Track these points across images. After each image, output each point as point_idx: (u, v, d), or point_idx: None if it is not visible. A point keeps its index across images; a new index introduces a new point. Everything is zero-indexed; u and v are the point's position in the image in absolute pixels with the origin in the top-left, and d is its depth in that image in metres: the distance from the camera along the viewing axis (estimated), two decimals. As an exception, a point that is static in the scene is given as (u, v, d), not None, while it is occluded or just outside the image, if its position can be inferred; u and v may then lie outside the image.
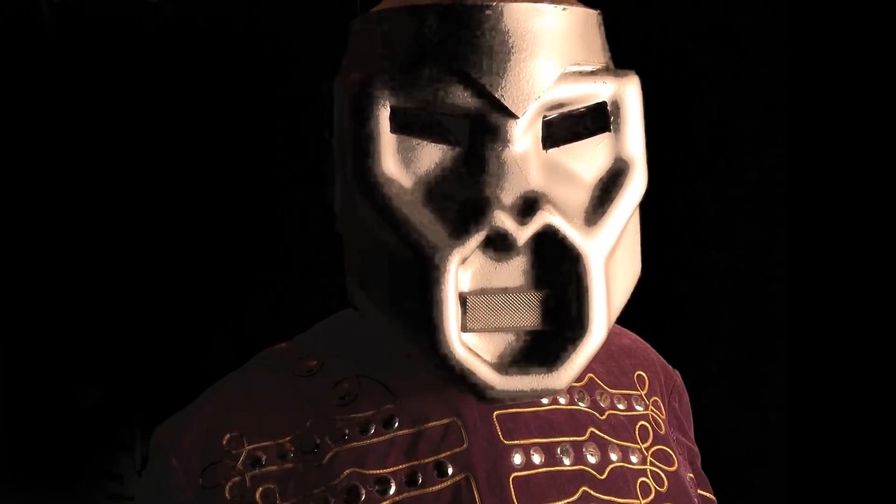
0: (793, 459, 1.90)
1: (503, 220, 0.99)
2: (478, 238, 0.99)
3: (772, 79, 1.84)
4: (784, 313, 1.92)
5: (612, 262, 1.06)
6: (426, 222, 1.01)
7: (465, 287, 1.02)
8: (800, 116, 1.83)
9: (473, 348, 1.02)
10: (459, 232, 0.99)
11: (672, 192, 1.88)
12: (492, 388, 1.01)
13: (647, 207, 1.83)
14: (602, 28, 1.13)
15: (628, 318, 1.66)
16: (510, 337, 1.04)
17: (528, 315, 1.03)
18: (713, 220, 1.90)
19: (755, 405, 1.93)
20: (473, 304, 1.02)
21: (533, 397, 1.03)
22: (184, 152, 1.75)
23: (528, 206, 0.99)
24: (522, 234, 0.99)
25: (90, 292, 1.76)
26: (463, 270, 1.01)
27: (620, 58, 1.13)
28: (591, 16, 1.10)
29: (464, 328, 1.01)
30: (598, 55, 1.10)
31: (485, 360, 1.01)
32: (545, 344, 1.03)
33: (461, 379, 1.01)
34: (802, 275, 1.88)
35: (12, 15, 1.68)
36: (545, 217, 1.00)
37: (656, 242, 1.86)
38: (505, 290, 1.03)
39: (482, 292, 1.02)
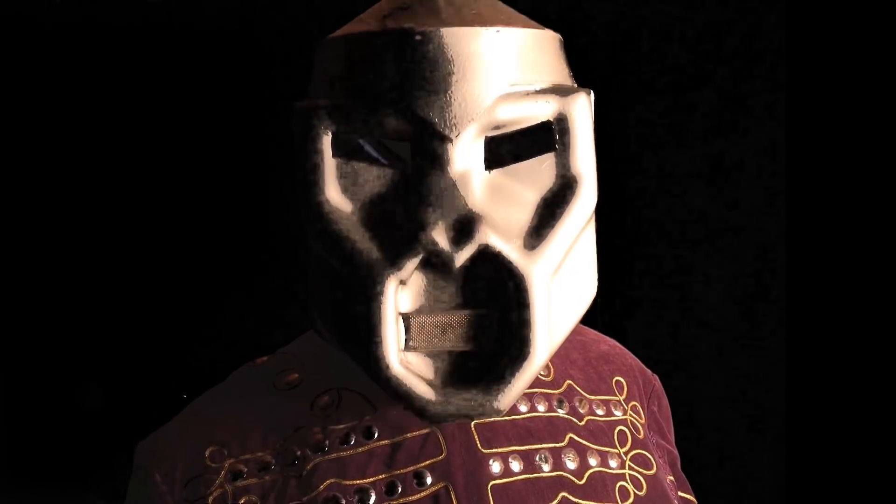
0: (792, 462, 1.90)
1: (438, 242, 0.99)
2: (415, 260, 1.00)
3: (771, 79, 1.84)
4: (784, 314, 1.92)
5: (559, 281, 1.05)
6: (365, 245, 1.02)
7: (408, 307, 1.03)
8: (800, 117, 1.83)
9: (415, 367, 1.03)
10: (397, 254, 1.01)
11: (672, 194, 1.88)
12: (429, 406, 1.02)
13: (649, 208, 1.85)
14: (554, 46, 1.11)
15: (630, 318, 1.68)
16: (452, 357, 1.04)
17: (469, 336, 1.03)
18: (713, 220, 1.90)
19: (753, 406, 1.93)
20: (416, 324, 1.03)
21: (471, 418, 1.04)
22: (189, 155, 1.77)
23: (464, 228, 1.00)
24: (458, 256, 1.00)
25: (91, 294, 1.77)
26: (404, 290, 1.03)
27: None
28: (535, 35, 1.08)
29: (407, 347, 1.03)
30: (544, 73, 1.07)
31: (423, 379, 1.03)
32: (487, 365, 1.03)
33: (400, 397, 1.02)
34: (802, 275, 1.88)
35: (12, 15, 1.69)
36: (482, 239, 1.00)
37: (656, 243, 1.87)
38: (447, 311, 1.03)
39: (425, 312, 1.03)
